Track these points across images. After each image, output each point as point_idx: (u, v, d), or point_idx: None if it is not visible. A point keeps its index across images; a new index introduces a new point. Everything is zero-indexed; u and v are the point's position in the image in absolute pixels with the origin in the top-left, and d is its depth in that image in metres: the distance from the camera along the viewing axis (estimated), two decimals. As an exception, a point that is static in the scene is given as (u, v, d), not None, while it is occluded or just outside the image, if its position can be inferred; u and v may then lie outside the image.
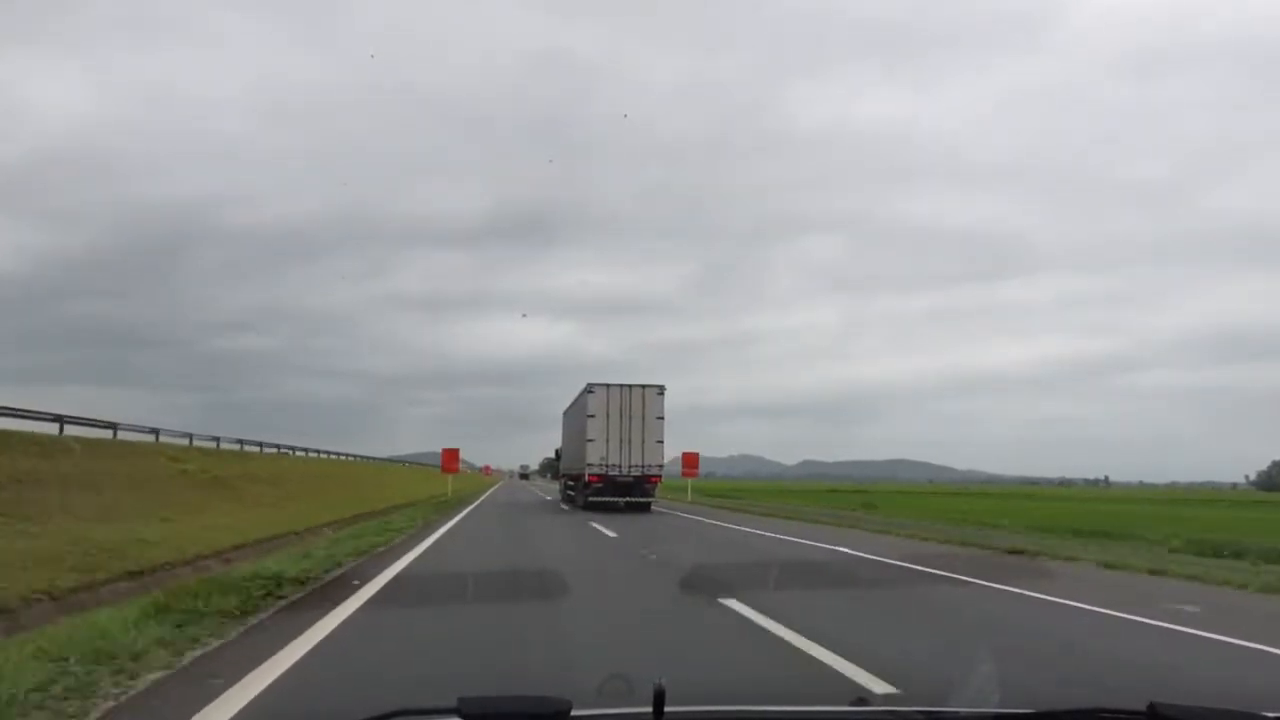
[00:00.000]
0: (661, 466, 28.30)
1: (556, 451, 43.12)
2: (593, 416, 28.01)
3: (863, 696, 3.35)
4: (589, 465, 27.70)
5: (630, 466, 27.91)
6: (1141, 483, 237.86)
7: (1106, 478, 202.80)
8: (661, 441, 28.19)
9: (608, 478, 27.74)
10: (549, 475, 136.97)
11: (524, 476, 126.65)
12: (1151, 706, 1.73)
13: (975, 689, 2.92)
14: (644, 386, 28.33)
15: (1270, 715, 1.89)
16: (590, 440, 27.82)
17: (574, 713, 1.71)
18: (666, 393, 28.27)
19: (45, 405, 21.32)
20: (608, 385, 28.31)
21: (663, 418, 28.22)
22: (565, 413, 37.61)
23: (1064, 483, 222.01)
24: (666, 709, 1.75)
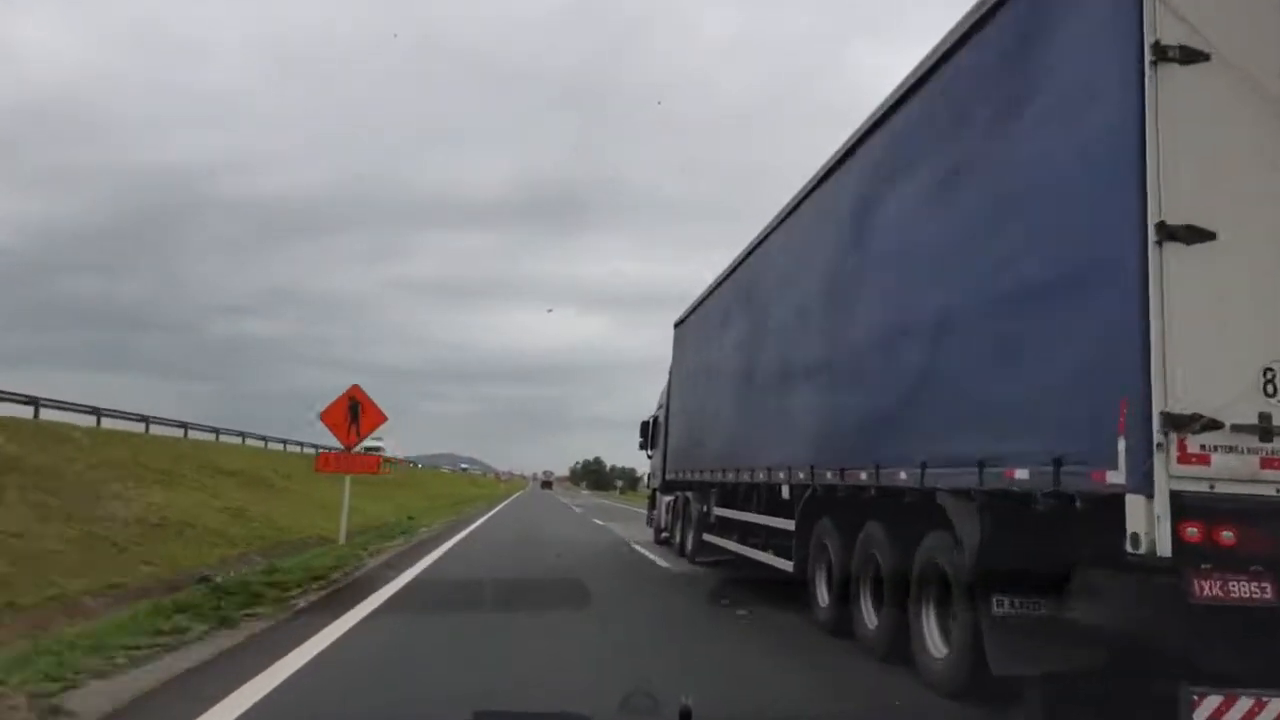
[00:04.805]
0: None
1: (645, 425, 17.86)
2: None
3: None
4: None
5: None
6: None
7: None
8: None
9: None
10: (590, 485, 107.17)
11: (546, 485, 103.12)
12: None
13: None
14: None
15: None
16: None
17: None
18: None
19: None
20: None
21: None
22: (754, 252, 10.37)
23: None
24: None
